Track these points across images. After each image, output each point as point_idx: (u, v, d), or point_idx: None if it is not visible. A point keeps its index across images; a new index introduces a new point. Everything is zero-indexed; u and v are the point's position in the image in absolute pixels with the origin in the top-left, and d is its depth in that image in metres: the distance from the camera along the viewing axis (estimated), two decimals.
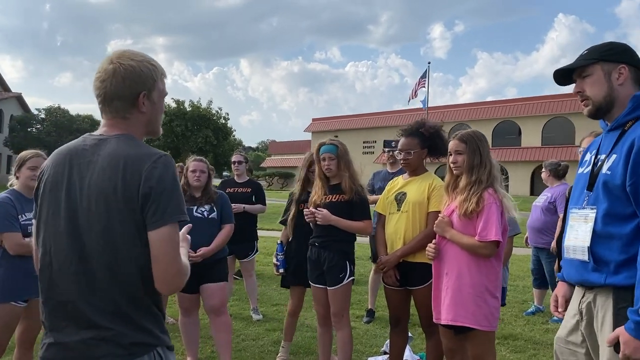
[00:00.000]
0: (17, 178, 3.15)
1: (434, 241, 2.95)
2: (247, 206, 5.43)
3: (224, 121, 36.62)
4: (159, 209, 1.42)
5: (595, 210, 1.88)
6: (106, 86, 1.52)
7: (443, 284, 2.87)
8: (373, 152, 38.89)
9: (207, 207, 3.89)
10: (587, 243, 1.87)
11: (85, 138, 1.57)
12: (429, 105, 28.40)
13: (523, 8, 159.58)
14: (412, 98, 27.00)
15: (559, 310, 2.16)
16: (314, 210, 3.49)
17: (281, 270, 4.06)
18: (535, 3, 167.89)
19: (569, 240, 1.98)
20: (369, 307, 5.46)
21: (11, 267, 2.99)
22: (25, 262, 2.86)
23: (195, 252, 3.63)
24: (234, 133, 38.01)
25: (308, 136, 47.51)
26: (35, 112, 44.34)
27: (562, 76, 2.06)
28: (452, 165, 2.92)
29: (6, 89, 44.38)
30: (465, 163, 2.84)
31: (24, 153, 3.23)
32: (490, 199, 2.73)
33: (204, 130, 33.94)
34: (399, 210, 3.34)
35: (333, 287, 3.47)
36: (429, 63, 26.97)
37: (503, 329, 5.01)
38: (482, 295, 2.72)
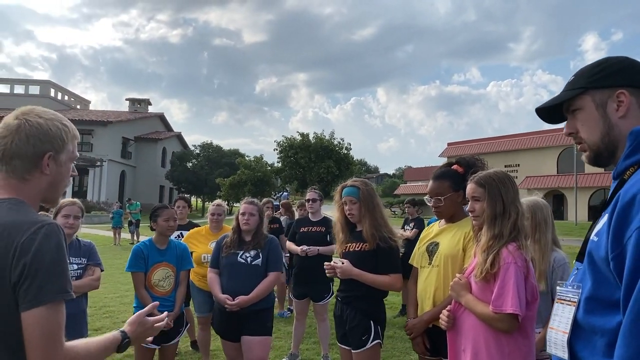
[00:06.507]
0: None
1: (448, 307, 2.39)
2: (321, 248, 5.19)
3: (345, 151, 37.73)
4: (32, 286, 1.22)
5: (580, 291, 1.30)
6: (6, 143, 1.38)
7: None
8: (516, 177, 35.90)
9: (252, 252, 3.67)
10: (568, 334, 1.30)
11: None
12: None
13: None
14: None
15: None
16: (333, 264, 3.11)
17: None
18: None
19: (551, 329, 1.40)
20: None
21: None
22: None
23: (233, 300, 3.49)
24: (355, 163, 39.15)
25: (444, 162, 45.82)
26: (192, 148, 49.82)
27: (550, 113, 1.48)
28: (470, 213, 2.37)
29: (169, 129, 50.86)
30: (484, 212, 2.28)
31: (62, 201, 3.42)
32: (509, 257, 2.12)
33: (326, 161, 35.44)
34: (430, 263, 2.82)
35: (356, 351, 3.04)
36: None
37: None
38: None
